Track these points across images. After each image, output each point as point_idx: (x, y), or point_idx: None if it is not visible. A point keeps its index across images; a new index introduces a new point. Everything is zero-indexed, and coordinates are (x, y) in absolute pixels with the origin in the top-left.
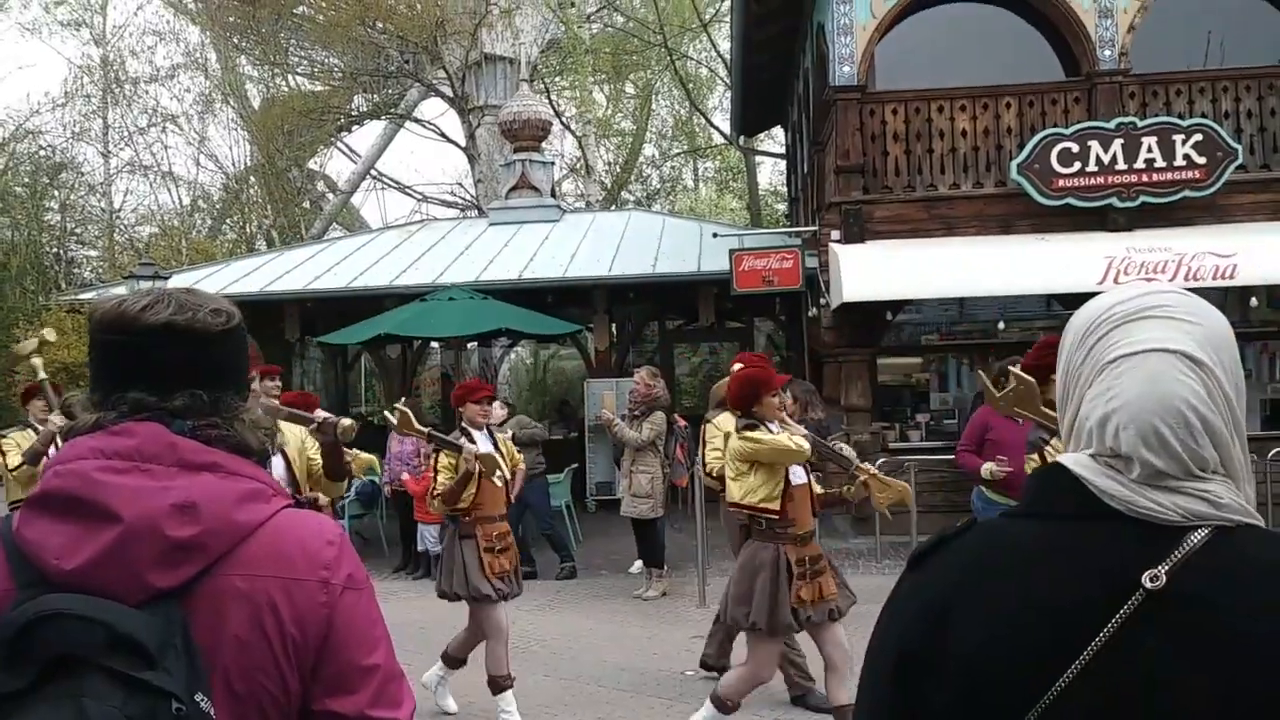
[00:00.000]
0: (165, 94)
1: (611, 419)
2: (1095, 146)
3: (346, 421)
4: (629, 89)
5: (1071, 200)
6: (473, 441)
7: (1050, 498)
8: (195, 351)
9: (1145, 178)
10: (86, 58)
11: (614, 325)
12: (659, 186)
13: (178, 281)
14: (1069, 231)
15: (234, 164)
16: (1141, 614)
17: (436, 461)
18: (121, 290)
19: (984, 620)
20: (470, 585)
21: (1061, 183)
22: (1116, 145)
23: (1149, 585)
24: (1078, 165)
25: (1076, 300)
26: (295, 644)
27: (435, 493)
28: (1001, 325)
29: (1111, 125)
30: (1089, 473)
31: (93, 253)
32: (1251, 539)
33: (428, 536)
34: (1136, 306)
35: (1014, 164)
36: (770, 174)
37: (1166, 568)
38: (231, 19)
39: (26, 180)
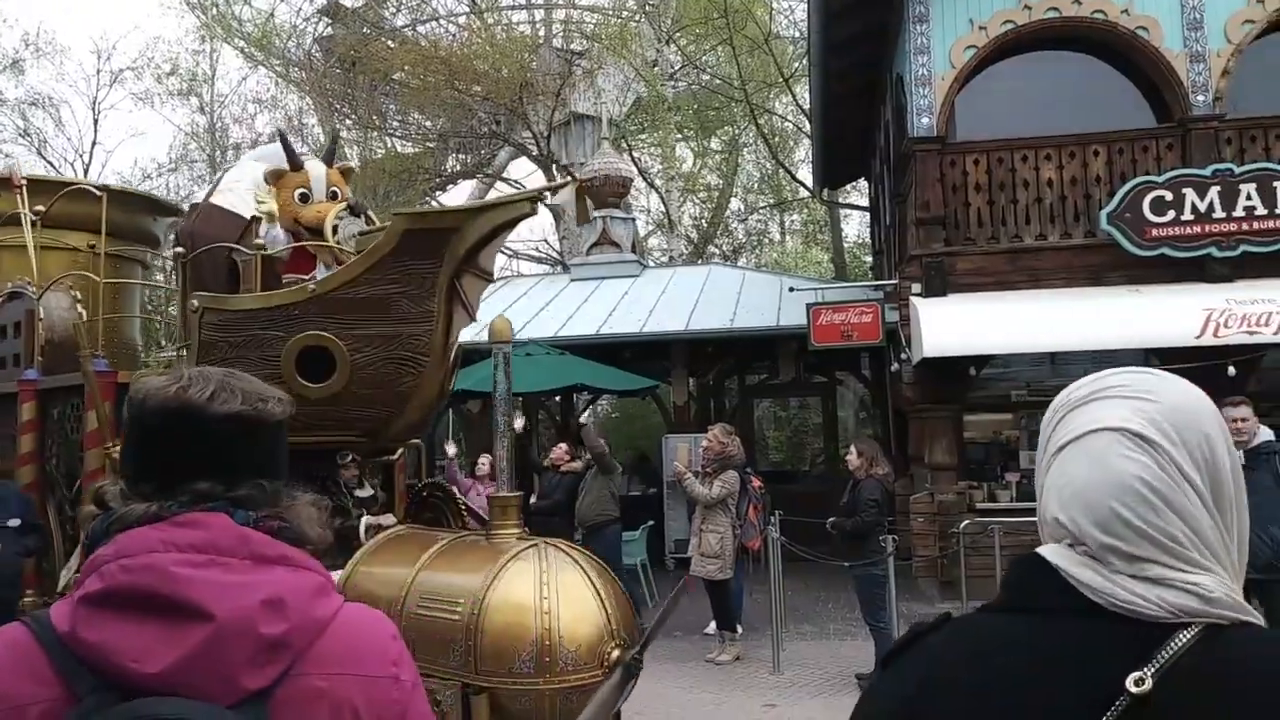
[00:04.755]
0: None
1: (684, 472)
2: (1190, 194)
3: None
4: (714, 144)
5: (1166, 250)
6: None
7: (1028, 590)
8: (259, 441)
9: (1246, 226)
10: (194, 124)
11: (693, 380)
12: (744, 240)
13: None
14: (1164, 283)
15: None
16: None
17: None
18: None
19: None
20: None
21: (1155, 232)
22: (1213, 193)
23: (1134, 690)
24: (1172, 214)
25: (1175, 354)
26: None
27: None
28: None
29: (1207, 172)
30: (1066, 563)
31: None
32: (1246, 640)
33: None
34: (1088, 390)
35: (1104, 213)
36: (858, 226)
37: (1152, 670)
38: (330, 85)
39: None
